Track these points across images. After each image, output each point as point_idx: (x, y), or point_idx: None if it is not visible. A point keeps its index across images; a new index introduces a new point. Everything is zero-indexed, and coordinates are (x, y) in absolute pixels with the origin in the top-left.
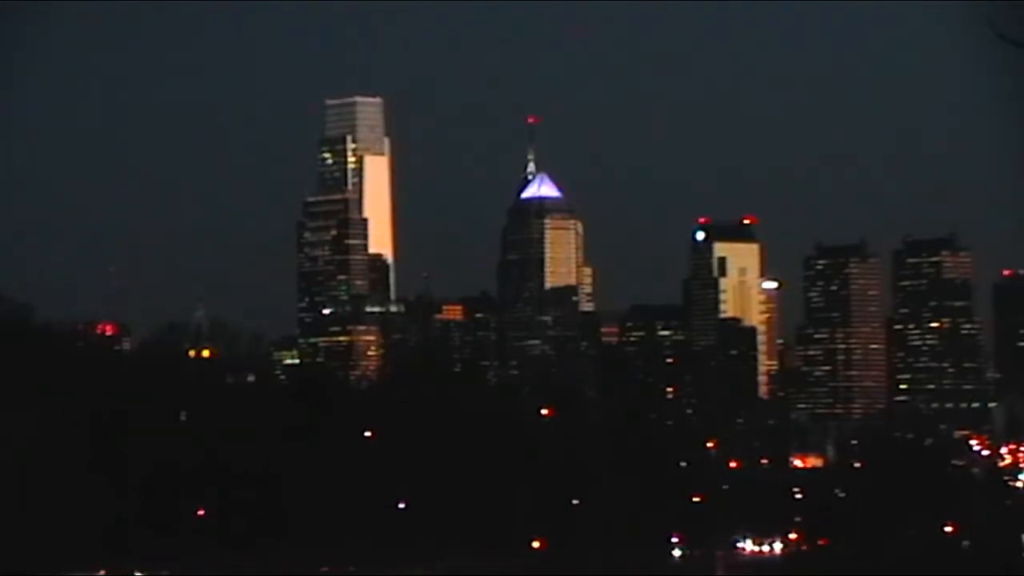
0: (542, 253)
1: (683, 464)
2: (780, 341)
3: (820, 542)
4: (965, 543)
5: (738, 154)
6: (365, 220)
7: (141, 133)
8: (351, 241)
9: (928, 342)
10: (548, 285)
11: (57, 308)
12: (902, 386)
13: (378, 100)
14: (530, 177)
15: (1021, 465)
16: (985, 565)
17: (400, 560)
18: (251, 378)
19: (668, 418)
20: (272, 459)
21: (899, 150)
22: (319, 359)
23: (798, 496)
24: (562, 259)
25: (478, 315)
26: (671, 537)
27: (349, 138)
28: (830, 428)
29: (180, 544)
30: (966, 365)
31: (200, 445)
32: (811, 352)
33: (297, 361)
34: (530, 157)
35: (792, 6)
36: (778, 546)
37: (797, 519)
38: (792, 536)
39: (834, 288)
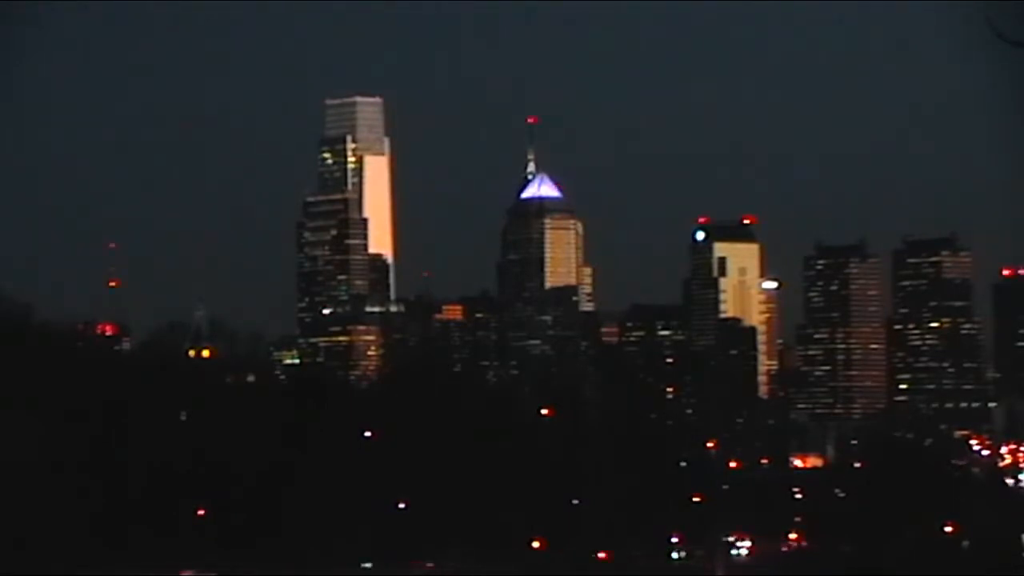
0: (542, 253)
1: (683, 464)
2: (780, 341)
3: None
4: (965, 543)
5: (738, 154)
6: (365, 220)
7: (141, 133)
8: (351, 241)
9: (928, 342)
10: (548, 285)
11: (57, 308)
12: (902, 386)
13: (378, 100)
14: (530, 177)
15: (1021, 465)
16: (985, 565)
17: (400, 560)
18: (251, 378)
19: (668, 418)
20: (272, 459)
21: (898, 150)
22: (319, 359)
23: (798, 496)
24: (562, 259)
25: (478, 315)
26: (671, 537)
27: (349, 138)
28: (830, 428)
29: (179, 544)
30: (966, 365)
31: (200, 445)
32: (811, 352)
33: (297, 361)
34: (530, 157)
35: (791, 6)
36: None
37: (797, 519)
38: (792, 536)
39: (834, 288)
